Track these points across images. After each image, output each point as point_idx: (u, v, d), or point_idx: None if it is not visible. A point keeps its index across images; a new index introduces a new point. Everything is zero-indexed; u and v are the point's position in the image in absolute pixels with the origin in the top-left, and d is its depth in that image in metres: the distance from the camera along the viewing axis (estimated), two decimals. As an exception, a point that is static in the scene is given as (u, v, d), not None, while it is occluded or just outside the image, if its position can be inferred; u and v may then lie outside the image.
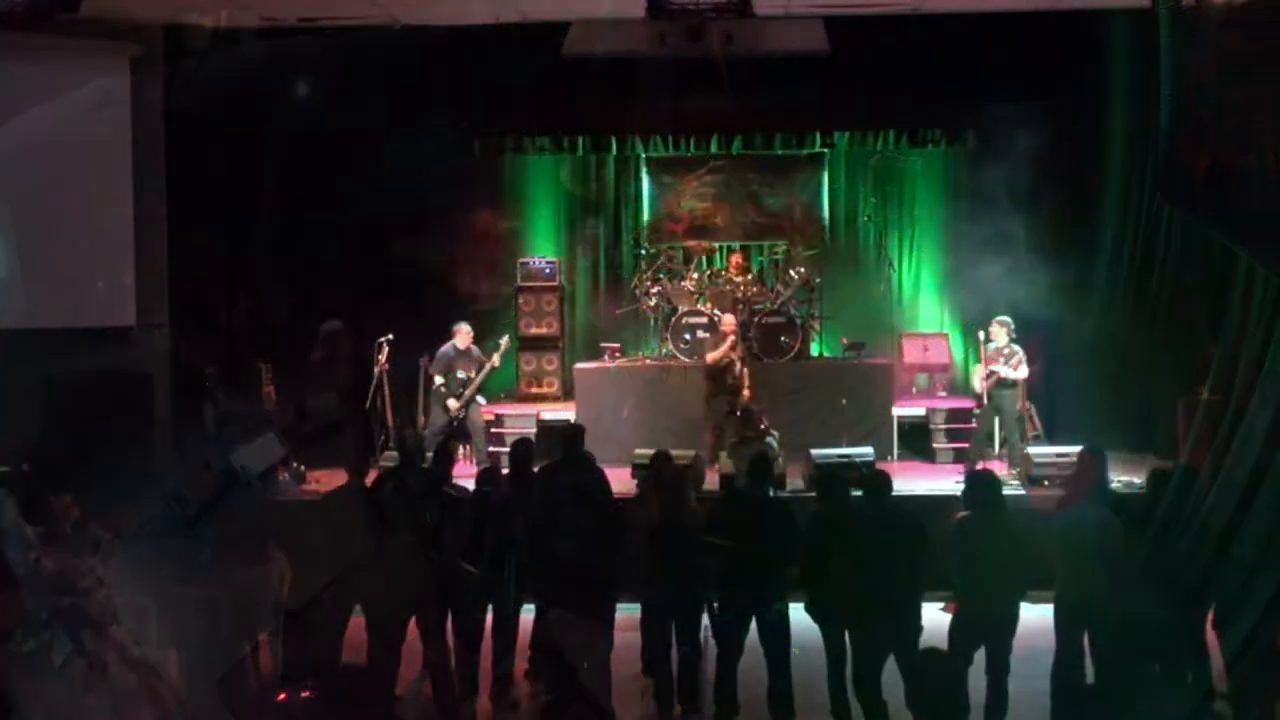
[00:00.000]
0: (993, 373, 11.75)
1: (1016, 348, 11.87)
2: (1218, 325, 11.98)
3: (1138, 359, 13.22)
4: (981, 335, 12.05)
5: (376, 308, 13.52)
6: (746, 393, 12.18)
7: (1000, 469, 11.64)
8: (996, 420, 11.99)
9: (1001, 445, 12.07)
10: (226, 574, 8.61)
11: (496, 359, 12.40)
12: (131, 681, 8.19)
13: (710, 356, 12.24)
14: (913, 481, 11.70)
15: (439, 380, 12.28)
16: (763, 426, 11.20)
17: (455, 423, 12.23)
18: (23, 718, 4.90)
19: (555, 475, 9.24)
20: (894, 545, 7.51)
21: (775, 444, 11.27)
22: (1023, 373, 11.82)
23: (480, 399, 12.49)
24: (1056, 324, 13.64)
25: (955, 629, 7.49)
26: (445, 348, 12.35)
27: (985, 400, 11.84)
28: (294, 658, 7.72)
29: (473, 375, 12.26)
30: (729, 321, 12.42)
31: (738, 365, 12.26)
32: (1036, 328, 13.56)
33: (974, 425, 12.33)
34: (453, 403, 12.20)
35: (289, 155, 12.73)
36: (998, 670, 7.43)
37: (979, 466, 11.19)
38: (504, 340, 12.62)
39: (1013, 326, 11.98)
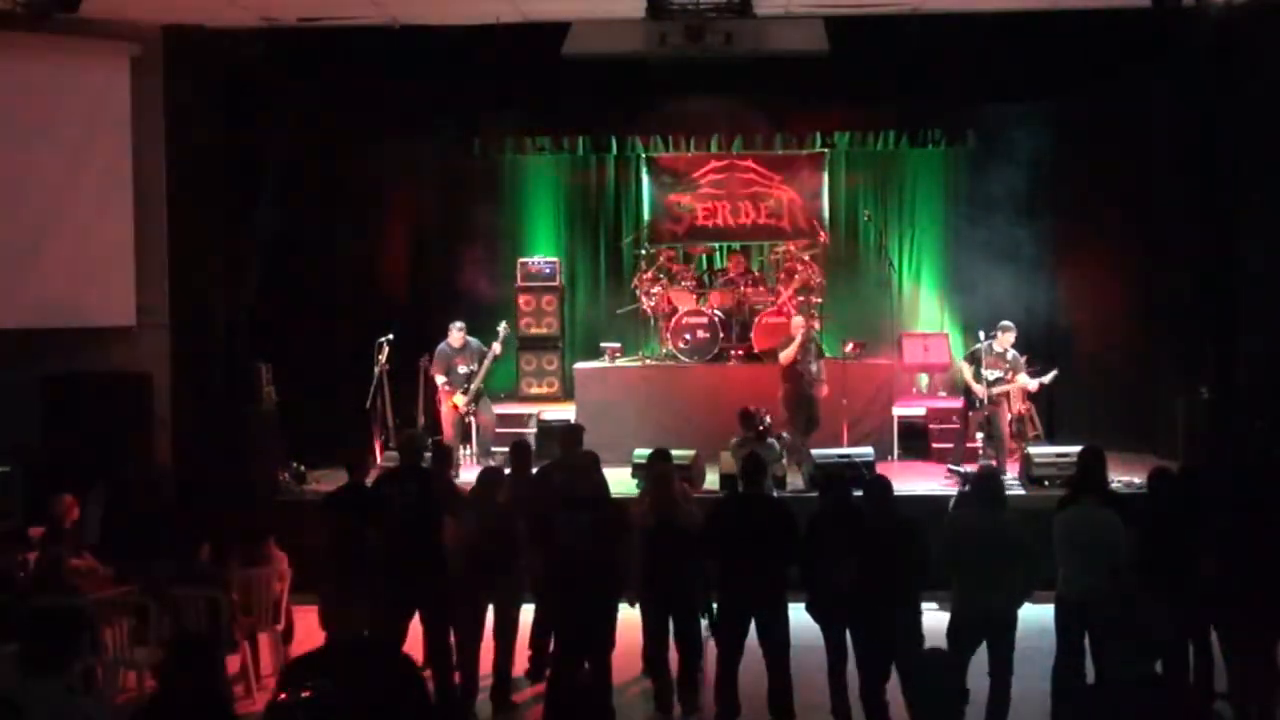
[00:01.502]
0: (1006, 382, 11.63)
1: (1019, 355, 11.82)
2: (1219, 324, 12.03)
3: (1138, 359, 13.23)
4: (1002, 341, 11.75)
5: (376, 307, 13.53)
6: (824, 389, 12.18)
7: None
8: (992, 423, 11.87)
9: (989, 445, 11.96)
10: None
11: (498, 347, 12.33)
12: (130, 680, 8.22)
13: (783, 357, 12.09)
14: (913, 482, 11.73)
15: (441, 379, 12.27)
16: (761, 428, 11.16)
17: (466, 418, 12.21)
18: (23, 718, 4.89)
19: (553, 475, 9.24)
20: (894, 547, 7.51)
21: (777, 445, 11.25)
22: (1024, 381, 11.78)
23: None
24: (1057, 324, 13.66)
25: (953, 627, 7.47)
26: (442, 346, 12.34)
27: (992, 402, 11.71)
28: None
29: (475, 368, 12.24)
30: (798, 323, 12.34)
31: (813, 365, 12.24)
32: (1037, 327, 13.58)
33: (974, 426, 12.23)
34: (460, 398, 12.18)
35: (289, 155, 12.72)
36: (1001, 670, 7.42)
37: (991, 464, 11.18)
38: (502, 327, 12.51)
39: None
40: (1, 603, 7.53)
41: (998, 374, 11.64)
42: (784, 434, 11.73)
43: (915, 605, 7.61)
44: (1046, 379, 11.86)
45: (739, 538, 7.84)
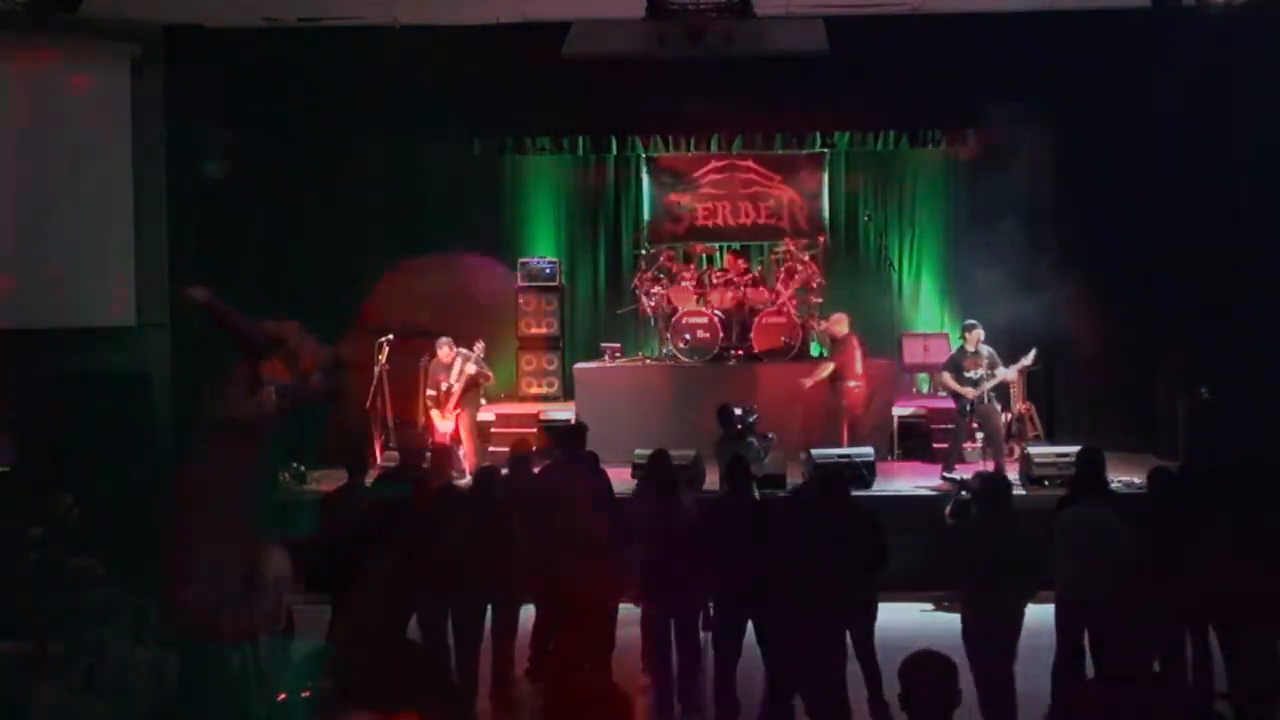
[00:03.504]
0: (991, 377, 11.59)
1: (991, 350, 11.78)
2: (1219, 324, 12.03)
3: (1138, 359, 13.23)
4: (973, 340, 11.67)
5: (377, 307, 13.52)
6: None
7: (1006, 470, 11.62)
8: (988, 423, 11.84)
9: (989, 446, 11.93)
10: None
11: (471, 367, 12.22)
12: (131, 681, 8.22)
13: (854, 387, 12.15)
14: (912, 481, 11.73)
15: (430, 393, 12.28)
16: (740, 428, 11.09)
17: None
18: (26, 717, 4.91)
19: (554, 475, 9.23)
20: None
21: (757, 443, 11.19)
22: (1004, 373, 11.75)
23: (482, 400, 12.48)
24: (1057, 323, 13.65)
25: (970, 631, 7.44)
26: (433, 362, 12.31)
27: (984, 402, 11.67)
28: None
29: (454, 386, 12.22)
30: (843, 318, 12.42)
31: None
32: (1037, 327, 13.57)
33: (975, 426, 12.20)
34: (436, 414, 12.19)
35: (289, 154, 12.73)
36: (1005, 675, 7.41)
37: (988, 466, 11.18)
38: (476, 347, 12.46)
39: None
40: (1, 603, 7.52)
41: (980, 373, 11.57)
42: (770, 434, 11.69)
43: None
44: (1026, 361, 11.83)
45: (727, 540, 7.83)
